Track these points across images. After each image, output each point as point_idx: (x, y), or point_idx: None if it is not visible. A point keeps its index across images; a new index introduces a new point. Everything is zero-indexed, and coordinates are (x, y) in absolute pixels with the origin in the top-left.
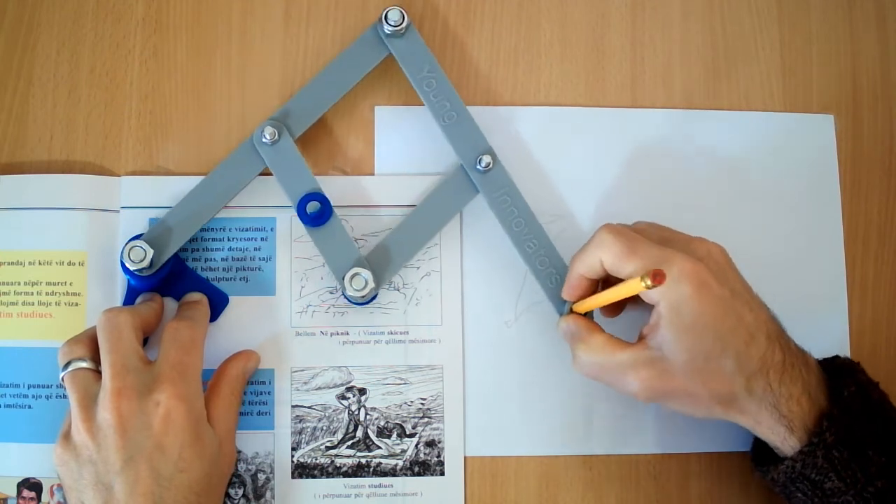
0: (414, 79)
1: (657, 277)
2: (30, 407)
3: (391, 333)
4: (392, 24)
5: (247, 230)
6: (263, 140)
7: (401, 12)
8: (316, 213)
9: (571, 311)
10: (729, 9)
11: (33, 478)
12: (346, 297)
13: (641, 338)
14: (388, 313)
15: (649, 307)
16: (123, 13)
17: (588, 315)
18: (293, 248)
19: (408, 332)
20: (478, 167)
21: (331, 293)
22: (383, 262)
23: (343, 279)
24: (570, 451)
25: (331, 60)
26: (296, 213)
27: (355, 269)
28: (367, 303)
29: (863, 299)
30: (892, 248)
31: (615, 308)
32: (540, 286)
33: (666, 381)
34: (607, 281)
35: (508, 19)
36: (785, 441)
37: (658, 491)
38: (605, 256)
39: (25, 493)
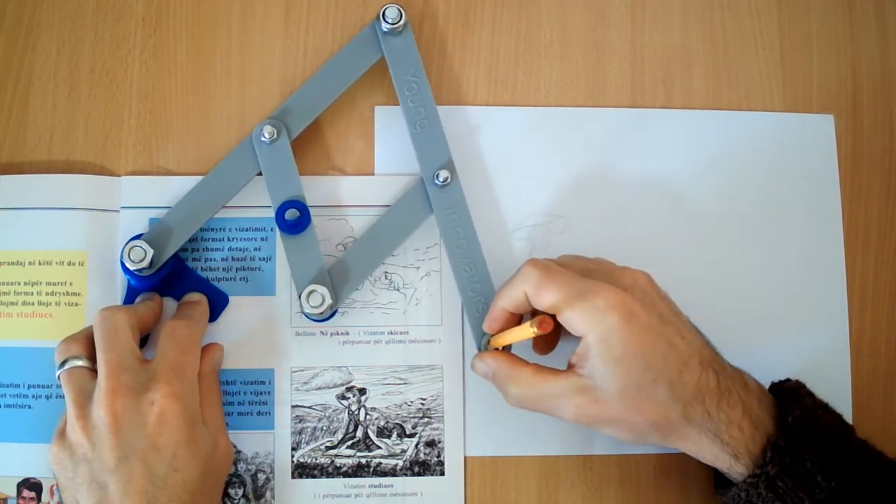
0: (397, 80)
1: (542, 325)
2: (30, 407)
3: (391, 333)
4: (390, 21)
5: (247, 230)
6: (262, 139)
7: (398, 10)
8: (294, 220)
9: (488, 346)
10: (729, 9)
11: (33, 478)
12: (304, 315)
13: (570, 366)
14: (388, 313)
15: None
16: (123, 13)
17: (506, 349)
18: None
19: (408, 332)
20: (435, 181)
21: None
22: (342, 279)
23: (301, 296)
24: (570, 451)
25: (329, 59)
26: (274, 216)
27: (311, 287)
28: (325, 320)
29: (863, 299)
30: (892, 248)
31: (546, 345)
32: (466, 313)
33: (600, 409)
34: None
35: (508, 19)
36: (731, 468)
37: (658, 491)
38: (528, 289)
39: (25, 493)
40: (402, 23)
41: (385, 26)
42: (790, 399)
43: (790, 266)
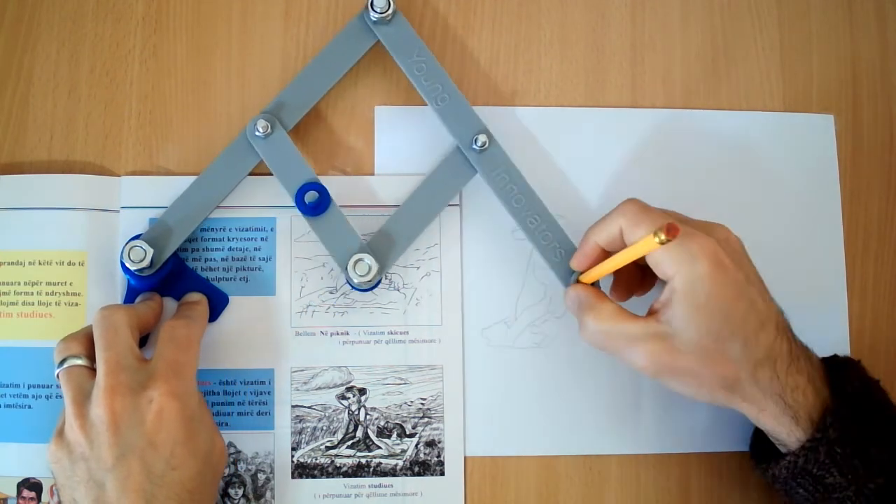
0: (404, 64)
1: (671, 231)
2: (30, 407)
3: (391, 333)
4: (378, 10)
5: (247, 230)
6: (256, 133)
7: None
8: (314, 202)
9: (578, 282)
10: (729, 9)
11: (33, 478)
12: (350, 285)
13: (652, 312)
14: (388, 313)
15: (661, 287)
16: (123, 13)
17: (595, 285)
18: (293, 248)
19: (408, 332)
20: (474, 147)
21: (331, 293)
22: (385, 248)
23: (346, 266)
24: (570, 451)
25: (320, 50)
26: (294, 205)
27: (358, 255)
28: (370, 289)
29: (863, 299)
30: (892, 248)
31: (625, 290)
32: (544, 260)
33: (673, 358)
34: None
35: (508, 19)
36: (791, 433)
37: (658, 491)
38: (624, 223)
39: (25, 493)
40: (390, 11)
41: (374, 16)
42: (847, 371)
43: (790, 266)
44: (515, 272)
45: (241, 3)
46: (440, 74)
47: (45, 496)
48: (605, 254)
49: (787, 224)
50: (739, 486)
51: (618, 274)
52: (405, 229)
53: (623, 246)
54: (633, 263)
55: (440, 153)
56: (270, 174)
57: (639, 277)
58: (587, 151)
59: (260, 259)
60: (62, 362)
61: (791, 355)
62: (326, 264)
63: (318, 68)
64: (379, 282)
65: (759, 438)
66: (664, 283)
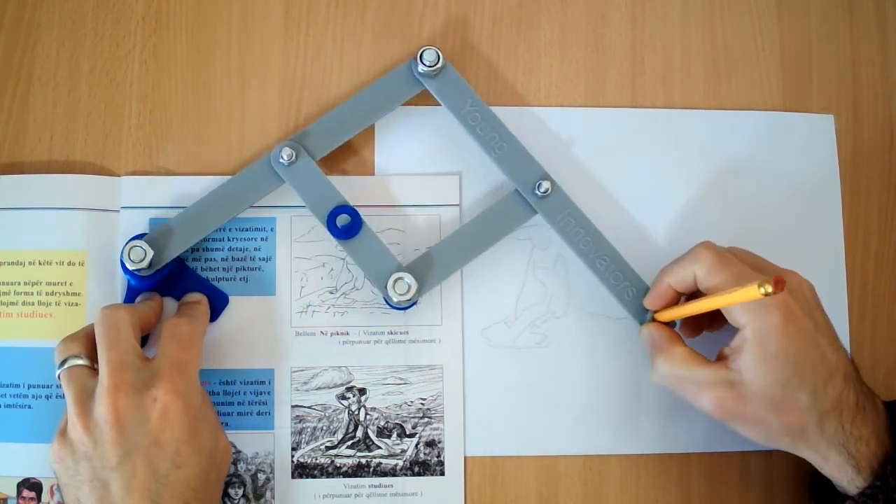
0: (458, 115)
1: (779, 284)
2: (30, 407)
3: (391, 333)
4: (427, 64)
5: (247, 230)
6: (281, 161)
7: (436, 53)
8: (346, 225)
9: (654, 320)
10: (729, 9)
11: (33, 478)
12: (387, 304)
13: (722, 357)
14: (388, 313)
15: (730, 329)
16: (123, 13)
17: (671, 324)
18: (293, 248)
19: (408, 332)
20: (536, 192)
21: (331, 293)
22: (425, 270)
23: (386, 283)
24: (570, 451)
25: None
26: (325, 228)
27: (399, 274)
28: (406, 308)
29: (863, 299)
30: (892, 248)
31: (695, 328)
32: (617, 300)
33: (740, 405)
34: (689, 299)
35: (508, 19)
36: (851, 481)
37: (658, 491)
38: (699, 271)
39: (25, 493)
40: (439, 66)
41: (423, 69)
42: None
43: (790, 266)
44: (515, 272)
45: (241, 3)
46: (496, 122)
47: (45, 496)
48: (676, 295)
49: (787, 224)
50: (739, 486)
51: None
52: (450, 257)
53: (695, 288)
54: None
55: (440, 154)
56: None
57: (708, 316)
58: (587, 152)
59: (260, 259)
60: (63, 363)
61: (857, 406)
62: (326, 264)
63: (356, 107)
64: (416, 301)
65: (817, 480)
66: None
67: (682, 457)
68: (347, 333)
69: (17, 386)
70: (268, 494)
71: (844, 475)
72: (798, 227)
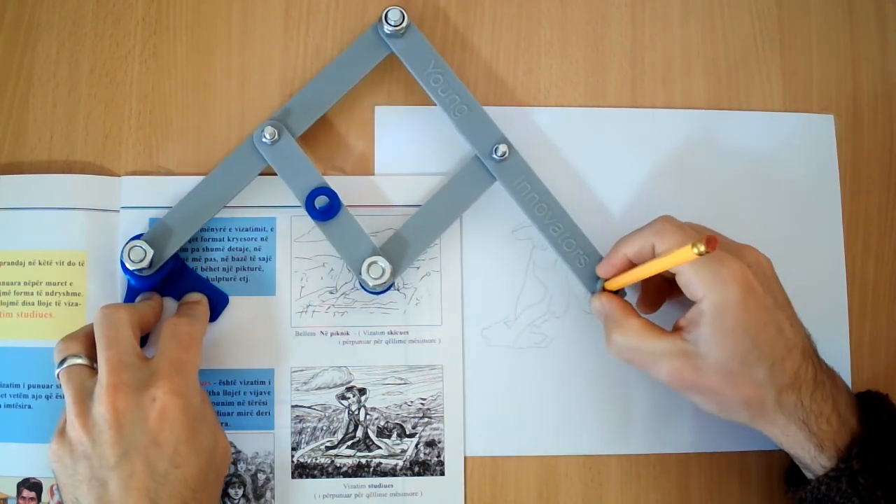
0: (420, 76)
1: (710, 243)
2: (30, 407)
3: (391, 333)
4: (392, 23)
5: (247, 230)
6: (263, 140)
7: (401, 12)
8: (325, 207)
9: (604, 290)
10: (729, 9)
11: (33, 478)
12: (363, 288)
13: (677, 328)
14: (388, 313)
15: (688, 303)
16: (123, 13)
17: (620, 293)
18: (293, 248)
19: (408, 332)
20: (494, 156)
21: (331, 293)
22: (399, 251)
23: (360, 267)
24: (570, 451)
25: (331, 60)
26: (304, 210)
27: (372, 258)
28: (383, 292)
29: (863, 299)
30: (892, 248)
31: (653, 303)
32: (568, 267)
33: (697, 377)
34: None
35: (508, 19)
36: (815, 459)
37: (658, 491)
38: (657, 238)
39: (25, 493)
40: (404, 24)
41: (388, 28)
42: (875, 404)
43: (790, 266)
44: (515, 272)
45: (241, 3)
46: (457, 85)
47: (45, 496)
48: (632, 265)
49: (787, 224)
50: (739, 486)
51: (645, 287)
52: (420, 234)
53: (650, 259)
54: (660, 277)
55: (440, 154)
56: (271, 174)
57: (666, 290)
58: (586, 152)
59: (260, 259)
60: (62, 362)
61: (816, 381)
62: (326, 264)
63: (329, 77)
64: (392, 285)
65: (794, 466)
66: (692, 302)
67: (682, 457)
68: (347, 333)
69: (17, 386)
70: (268, 494)
71: (807, 453)
72: (798, 227)
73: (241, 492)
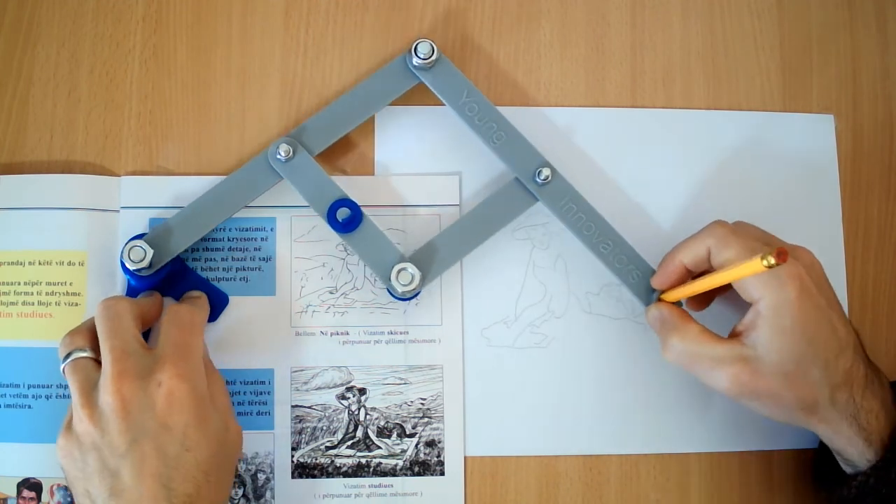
0: (454, 106)
1: (781, 256)
2: (30, 407)
3: (391, 333)
4: (422, 56)
5: (247, 230)
6: (278, 157)
7: (431, 45)
8: (347, 219)
9: (660, 300)
10: (729, 9)
11: (33, 478)
12: (391, 295)
13: (735, 334)
14: (388, 313)
15: (741, 304)
16: (123, 13)
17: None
18: (293, 248)
19: (408, 332)
20: (536, 180)
21: (331, 293)
22: (429, 260)
23: (390, 274)
24: (570, 451)
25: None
26: (328, 224)
27: (402, 265)
28: (412, 298)
29: (863, 299)
30: (892, 248)
31: (704, 301)
32: (621, 282)
33: (755, 381)
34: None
35: (509, 19)
36: (862, 454)
37: (658, 491)
38: (713, 244)
39: (25, 493)
40: (434, 57)
41: (417, 61)
42: None
43: None
44: (515, 272)
45: (241, 3)
46: (493, 112)
47: (45, 496)
48: (688, 273)
49: (787, 224)
50: (739, 486)
51: None
52: (452, 247)
53: (707, 266)
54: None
55: (440, 153)
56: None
57: (717, 289)
58: (586, 151)
59: (260, 259)
60: (67, 357)
61: (867, 379)
62: (326, 264)
63: (352, 101)
64: (419, 292)
65: (821, 462)
66: (745, 303)
67: (682, 457)
68: (347, 333)
69: (17, 386)
70: (268, 494)
71: (855, 449)
72: (798, 227)
73: (241, 492)
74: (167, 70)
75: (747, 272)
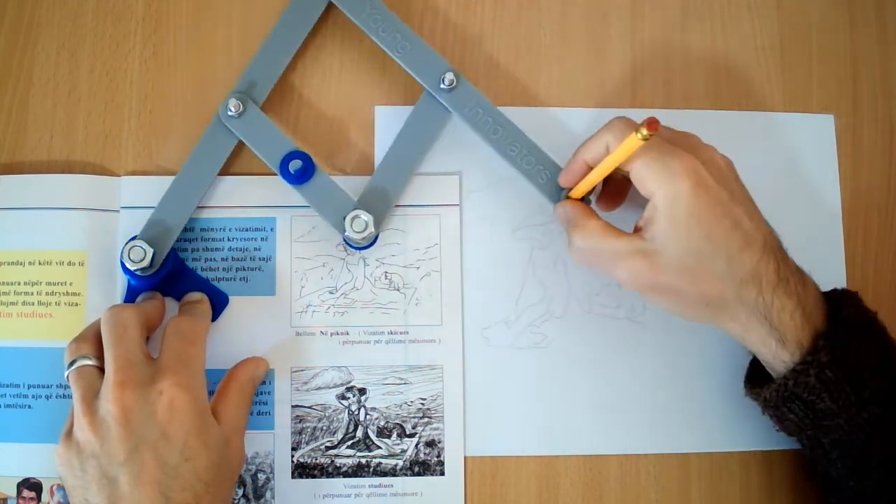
0: (358, 19)
1: (652, 125)
2: (30, 407)
3: (391, 333)
4: None
5: (247, 230)
6: (230, 114)
7: None
8: (299, 170)
9: (568, 198)
10: (729, 9)
11: (33, 478)
12: (348, 244)
13: (637, 229)
14: (388, 313)
15: (646, 203)
16: (123, 13)
17: (585, 202)
18: (293, 248)
19: (408, 332)
20: (442, 86)
21: (330, 293)
22: (377, 202)
23: (343, 223)
24: (569, 451)
25: (277, 23)
26: (280, 175)
27: (353, 213)
28: (368, 246)
29: (863, 299)
30: (893, 248)
31: (612, 200)
32: (531, 184)
33: (654, 274)
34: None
35: (508, 19)
36: (776, 356)
37: (658, 491)
38: (611, 138)
39: (25, 493)
40: None
41: None
42: (844, 300)
43: None
44: (515, 272)
45: (241, 3)
46: (395, 23)
47: (45, 496)
48: (590, 170)
49: (787, 224)
50: (739, 486)
51: (605, 187)
52: (393, 181)
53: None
54: (620, 177)
55: (440, 153)
56: (270, 175)
57: (625, 189)
58: None
59: (260, 259)
60: (72, 363)
61: (778, 277)
62: (326, 264)
63: (278, 41)
64: (376, 238)
65: (755, 368)
66: (649, 201)
67: (682, 457)
68: (347, 333)
69: (17, 386)
70: (268, 494)
71: (768, 348)
72: (798, 228)
73: (241, 492)
74: (167, 70)
75: (627, 150)
